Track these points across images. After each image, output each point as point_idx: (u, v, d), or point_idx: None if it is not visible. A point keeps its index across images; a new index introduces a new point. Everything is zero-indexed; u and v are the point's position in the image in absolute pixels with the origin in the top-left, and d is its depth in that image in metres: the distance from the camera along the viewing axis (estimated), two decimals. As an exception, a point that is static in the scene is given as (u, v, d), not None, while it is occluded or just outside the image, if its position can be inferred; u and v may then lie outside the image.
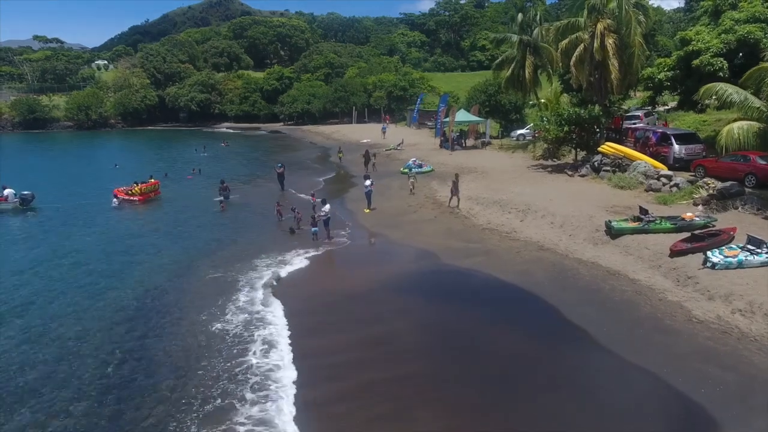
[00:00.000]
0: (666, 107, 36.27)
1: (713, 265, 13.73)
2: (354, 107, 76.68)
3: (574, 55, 26.74)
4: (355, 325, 13.03)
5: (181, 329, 13.05)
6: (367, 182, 24.48)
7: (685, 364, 10.27)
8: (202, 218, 25.09)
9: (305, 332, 12.71)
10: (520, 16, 37.69)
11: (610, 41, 25.83)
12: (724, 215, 18.08)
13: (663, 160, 25.41)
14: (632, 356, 10.79)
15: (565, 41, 27.46)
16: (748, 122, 18.41)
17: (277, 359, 11.33)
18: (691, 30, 29.33)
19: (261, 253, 18.77)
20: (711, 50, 26.00)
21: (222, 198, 27.31)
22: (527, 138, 40.61)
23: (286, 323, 13.13)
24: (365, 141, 53.09)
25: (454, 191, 22.87)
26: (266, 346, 11.93)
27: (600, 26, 26.26)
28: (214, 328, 12.95)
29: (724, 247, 14.33)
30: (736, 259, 13.66)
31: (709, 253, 14.06)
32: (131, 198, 28.37)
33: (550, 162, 31.92)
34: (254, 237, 21.41)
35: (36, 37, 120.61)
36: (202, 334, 12.68)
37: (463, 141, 42.63)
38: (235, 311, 13.91)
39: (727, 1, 27.74)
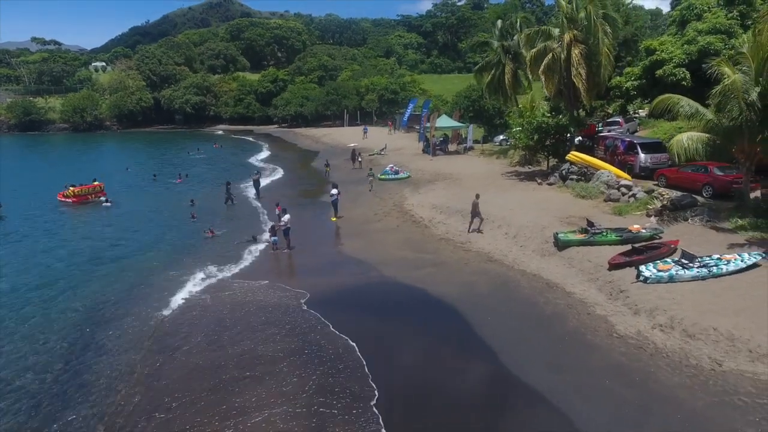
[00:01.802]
0: (637, 114, 36.45)
1: (645, 279, 13.98)
2: (345, 110, 77.02)
3: (543, 63, 26.96)
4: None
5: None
6: (334, 191, 24.79)
7: (592, 381, 10.52)
8: (164, 224, 25.54)
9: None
10: (499, 22, 38.00)
11: (576, 51, 26.05)
12: (675, 226, 18.31)
13: (630, 168, 25.69)
14: (535, 375, 10.90)
15: (534, 50, 27.70)
16: (698, 133, 18.63)
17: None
18: (656, 39, 29.55)
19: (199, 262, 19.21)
20: (674, 60, 26.20)
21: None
22: (509, 143, 40.85)
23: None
24: (352, 145, 53.62)
25: (474, 214, 20.42)
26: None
27: (568, 36, 26.49)
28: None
29: (658, 261, 14.58)
30: (667, 273, 13.90)
31: (642, 267, 14.32)
32: (66, 200, 29.83)
33: (525, 169, 32.17)
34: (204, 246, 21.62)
35: (34, 39, 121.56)
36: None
37: (445, 146, 42.91)
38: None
39: (693, 12, 27.95)
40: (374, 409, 10.01)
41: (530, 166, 32.47)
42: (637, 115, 35.99)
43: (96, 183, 31.45)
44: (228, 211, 28.07)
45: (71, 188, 30.32)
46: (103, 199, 30.26)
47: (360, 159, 40.36)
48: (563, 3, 26.19)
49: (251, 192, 32.35)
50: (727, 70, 17.68)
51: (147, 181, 38.22)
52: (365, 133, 58.03)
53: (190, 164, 46.10)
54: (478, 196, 20.74)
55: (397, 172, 33.91)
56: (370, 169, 32.30)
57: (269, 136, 75.06)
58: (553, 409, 9.76)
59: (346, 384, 10.90)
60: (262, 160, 49.85)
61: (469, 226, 20.63)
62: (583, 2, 25.92)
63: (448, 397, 10.50)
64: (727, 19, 26.12)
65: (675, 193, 20.47)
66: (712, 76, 18.62)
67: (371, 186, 30.36)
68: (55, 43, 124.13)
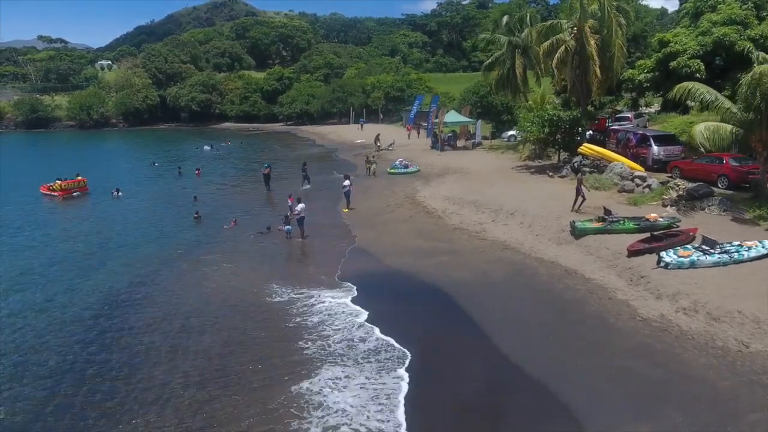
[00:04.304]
0: (648, 109, 36.29)
1: (666, 265, 13.88)
2: (351, 108, 76.99)
3: (555, 56, 26.85)
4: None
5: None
6: (346, 182, 24.75)
7: (615, 362, 10.45)
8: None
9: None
10: (505, 18, 37.94)
11: (591, 42, 25.95)
12: (692, 216, 18.20)
13: (643, 161, 25.59)
14: (555, 355, 10.88)
15: (547, 43, 27.58)
16: (716, 123, 18.55)
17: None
18: (670, 32, 29.42)
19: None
20: (688, 52, 26.06)
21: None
22: (518, 139, 40.76)
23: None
24: (359, 141, 53.86)
25: (578, 192, 19.70)
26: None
27: (587, 26, 26.35)
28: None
29: (678, 248, 14.48)
30: (688, 259, 13.81)
31: (663, 253, 14.21)
32: (52, 193, 30.26)
33: (535, 163, 32.08)
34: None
35: (40, 37, 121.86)
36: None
37: (454, 142, 42.85)
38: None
39: (707, 3, 27.78)
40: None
41: (540, 161, 32.36)
42: (647, 111, 35.84)
43: (79, 178, 31.89)
44: (240, 204, 28.11)
45: (58, 182, 30.68)
46: (77, 193, 30.75)
47: (379, 144, 43.61)
48: (576, -6, 26.16)
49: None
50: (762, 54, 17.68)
51: (173, 175, 38.17)
52: (362, 125, 63.93)
53: (207, 160, 46.37)
54: (583, 173, 21.55)
55: (406, 167, 33.84)
56: (371, 156, 33.29)
57: (271, 134, 74.61)
58: (575, 388, 9.72)
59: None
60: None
61: (574, 204, 19.71)
62: (596, -6, 25.88)
63: (467, 379, 10.47)
64: (742, 10, 25.98)
65: (690, 184, 20.38)
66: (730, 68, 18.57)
67: (372, 172, 32.39)
68: (62, 41, 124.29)
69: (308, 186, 30.80)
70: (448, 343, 12.03)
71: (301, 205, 20.44)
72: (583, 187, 19.85)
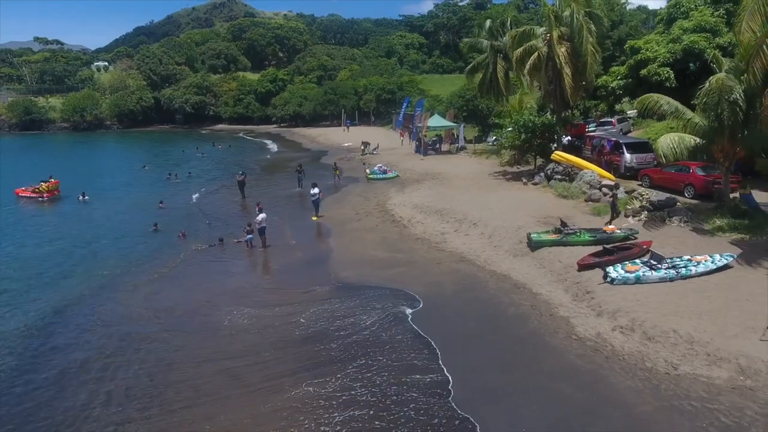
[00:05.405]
0: (633, 111, 36.02)
1: (612, 281, 13.73)
2: (343, 110, 76.81)
3: (528, 63, 26.68)
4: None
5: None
6: (314, 190, 24.55)
7: (542, 383, 10.27)
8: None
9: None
10: (488, 22, 37.82)
11: (562, 49, 25.77)
12: (655, 228, 18.01)
13: (616, 168, 25.42)
14: (485, 376, 10.72)
15: (520, 50, 27.39)
16: (680, 134, 18.35)
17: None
18: (641, 39, 29.20)
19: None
20: (658, 60, 25.81)
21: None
22: (497, 143, 40.54)
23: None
24: (347, 144, 53.75)
25: (614, 207, 18.56)
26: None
27: (555, 33, 26.19)
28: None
29: (627, 262, 14.31)
30: (634, 274, 13.64)
31: (609, 268, 14.06)
32: (37, 195, 30.79)
33: (514, 169, 31.91)
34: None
35: (36, 39, 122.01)
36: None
37: (438, 146, 42.67)
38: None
39: (680, 9, 27.51)
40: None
41: (519, 166, 32.18)
42: (630, 115, 35.62)
43: (53, 180, 32.27)
44: (212, 211, 27.96)
45: (43, 184, 31.09)
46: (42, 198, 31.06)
47: (363, 148, 44.76)
48: (547, 1, 25.93)
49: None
50: (722, 59, 17.56)
51: (160, 179, 38.13)
52: (348, 127, 65.53)
53: (196, 163, 46.43)
54: (617, 186, 20.97)
55: (385, 172, 33.74)
56: (335, 163, 34.73)
57: (262, 137, 74.38)
58: (494, 414, 9.54)
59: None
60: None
61: (611, 220, 18.30)
62: (567, 0, 25.64)
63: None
64: (713, 17, 25.72)
65: (655, 194, 20.23)
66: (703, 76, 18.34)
67: (339, 179, 32.95)
68: (58, 42, 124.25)
69: (301, 187, 30.90)
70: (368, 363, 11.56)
71: (262, 215, 20.38)
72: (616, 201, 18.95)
